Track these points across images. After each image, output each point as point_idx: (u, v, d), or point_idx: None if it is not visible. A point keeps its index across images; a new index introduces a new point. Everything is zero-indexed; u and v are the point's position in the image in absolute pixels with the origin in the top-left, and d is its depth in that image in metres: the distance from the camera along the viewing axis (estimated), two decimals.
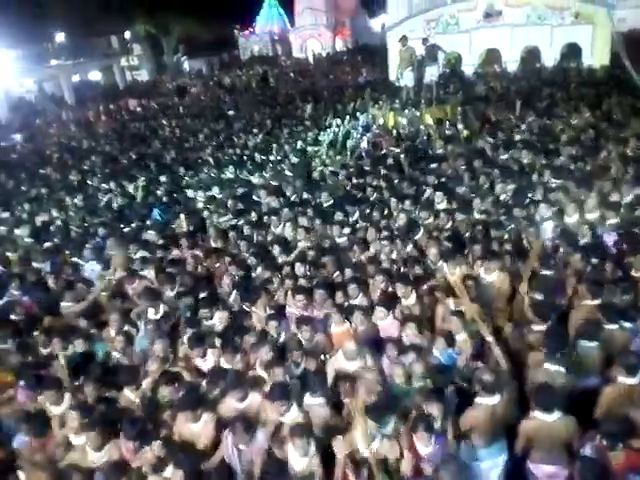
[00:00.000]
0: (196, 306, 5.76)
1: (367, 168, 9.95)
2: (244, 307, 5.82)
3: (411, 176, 9.11)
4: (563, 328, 4.76)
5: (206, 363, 5.07)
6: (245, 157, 12.05)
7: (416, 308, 5.33)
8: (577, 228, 6.32)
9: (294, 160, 11.25)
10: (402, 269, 6.04)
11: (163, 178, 10.96)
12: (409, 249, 6.45)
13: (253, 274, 6.49)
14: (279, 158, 11.61)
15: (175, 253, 7.36)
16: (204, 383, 4.67)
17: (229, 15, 41.97)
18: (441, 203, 7.67)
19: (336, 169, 10.20)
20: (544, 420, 3.78)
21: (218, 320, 5.59)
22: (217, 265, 6.90)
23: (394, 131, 12.37)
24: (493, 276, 5.56)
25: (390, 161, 10.03)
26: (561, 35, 20.12)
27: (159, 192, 10.15)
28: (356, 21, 43.53)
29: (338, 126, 13.25)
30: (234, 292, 6.11)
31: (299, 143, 12.53)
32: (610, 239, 6.16)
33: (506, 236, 6.44)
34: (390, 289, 5.58)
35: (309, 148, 12.08)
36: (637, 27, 27.98)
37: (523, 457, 4.02)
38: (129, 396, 4.68)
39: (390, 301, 5.30)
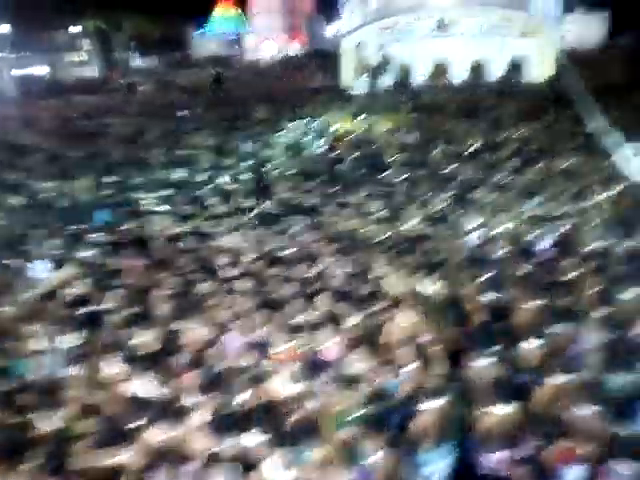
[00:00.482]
0: (127, 323, 5.23)
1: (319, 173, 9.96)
2: (180, 325, 5.29)
3: (357, 183, 9.17)
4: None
5: (132, 389, 4.44)
6: (197, 158, 11.83)
7: (361, 329, 5.01)
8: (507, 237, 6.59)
9: (249, 162, 11.14)
10: (348, 286, 5.76)
11: (110, 178, 10.61)
12: (354, 265, 6.20)
13: (194, 289, 5.96)
14: (232, 160, 11.43)
15: (113, 262, 6.80)
16: (128, 413, 4.15)
17: (183, 14, 41.35)
18: (379, 212, 7.70)
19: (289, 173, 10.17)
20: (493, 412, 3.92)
21: (149, 339, 5.00)
22: (156, 277, 6.34)
23: (349, 136, 12.48)
24: (435, 287, 5.53)
25: (344, 167, 10.09)
26: (509, 48, 20.93)
27: (106, 192, 9.81)
28: (312, 26, 43.75)
29: (293, 130, 13.24)
30: (169, 307, 5.57)
31: (253, 145, 12.44)
32: (543, 245, 6.44)
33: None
34: (335, 309, 5.21)
35: (263, 150, 11.99)
36: (579, 44, 29.67)
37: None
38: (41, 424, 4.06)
39: (334, 321, 4.93)
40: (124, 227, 8.10)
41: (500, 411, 3.93)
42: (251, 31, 42.52)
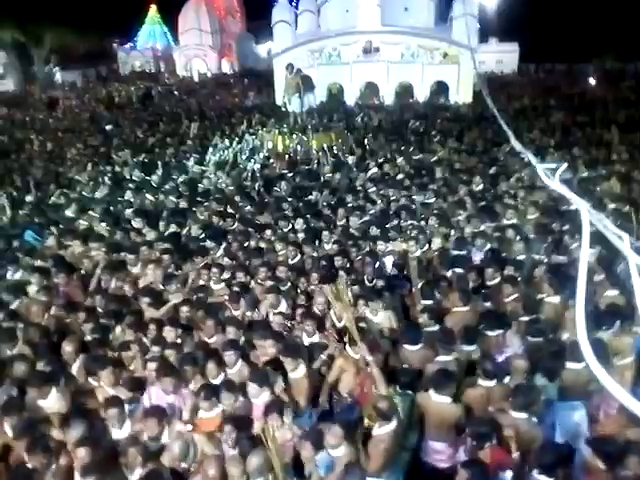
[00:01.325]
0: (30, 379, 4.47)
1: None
2: (90, 381, 4.70)
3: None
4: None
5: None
6: (124, 176, 11.48)
7: (304, 383, 4.60)
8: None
9: (180, 179, 10.96)
10: (291, 327, 5.37)
11: (29, 197, 10.07)
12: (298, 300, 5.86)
13: (110, 335, 5.36)
14: (161, 178, 11.16)
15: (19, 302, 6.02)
16: None
17: (107, 27, 40.18)
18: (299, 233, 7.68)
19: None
20: (436, 401, 4.17)
21: (54, 401, 4.35)
22: (68, 320, 5.67)
23: (285, 155, 12.61)
24: (379, 317, 5.43)
25: (283, 184, 10.13)
26: (431, 73, 22.13)
27: (25, 211, 9.28)
28: (242, 45, 43.91)
29: (227, 148, 13.18)
30: (78, 360, 4.90)
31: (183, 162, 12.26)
32: (477, 257, 6.86)
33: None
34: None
35: (195, 168, 11.82)
36: (495, 70, 31.85)
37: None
38: None
39: (264, 376, 4.41)
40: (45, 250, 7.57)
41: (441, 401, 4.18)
42: (181, 47, 41.99)
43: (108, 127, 18.67)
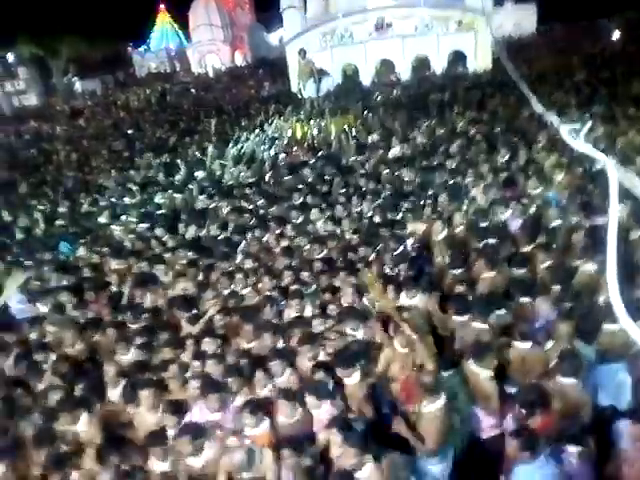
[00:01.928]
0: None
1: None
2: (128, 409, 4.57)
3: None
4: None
5: None
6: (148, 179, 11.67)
7: (361, 389, 4.36)
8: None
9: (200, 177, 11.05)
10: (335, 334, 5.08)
11: (62, 208, 10.34)
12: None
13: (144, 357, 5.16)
14: (185, 178, 11.29)
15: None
16: None
17: (121, 32, 40.66)
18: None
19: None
20: (476, 372, 4.24)
21: (85, 427, 4.27)
22: (96, 338, 5.58)
23: (305, 142, 12.58)
24: (417, 299, 5.35)
25: (307, 171, 10.05)
26: (447, 43, 21.57)
27: (61, 222, 9.56)
28: (254, 35, 43.73)
29: (246, 140, 13.24)
30: (120, 385, 4.70)
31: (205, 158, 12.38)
32: (514, 224, 6.76)
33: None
34: (323, 357, 4.67)
35: (215, 164, 11.90)
36: (512, 33, 30.88)
37: None
38: None
39: (323, 387, 4.18)
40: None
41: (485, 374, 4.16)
42: (193, 45, 42.14)
43: (130, 131, 18.95)
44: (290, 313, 5.49)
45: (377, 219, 7.43)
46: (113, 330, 5.49)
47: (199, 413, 4.29)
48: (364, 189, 8.66)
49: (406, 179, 8.90)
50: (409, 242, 6.66)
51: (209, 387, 4.27)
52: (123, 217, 9.36)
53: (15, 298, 6.60)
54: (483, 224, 6.74)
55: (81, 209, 10.34)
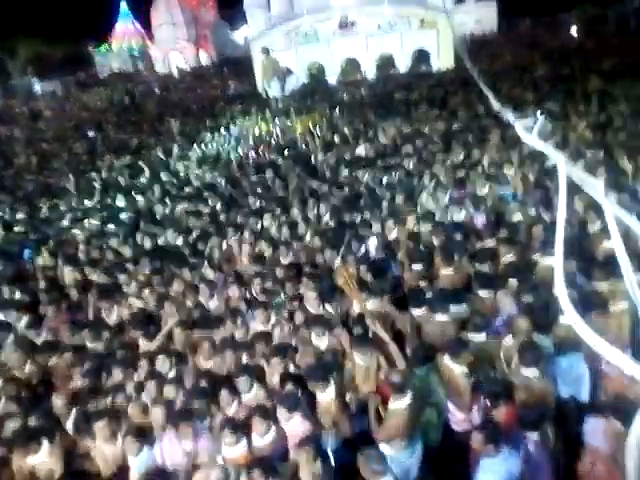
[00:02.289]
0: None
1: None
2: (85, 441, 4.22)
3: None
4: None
5: None
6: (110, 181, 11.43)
7: (336, 404, 4.24)
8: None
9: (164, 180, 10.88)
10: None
11: (21, 214, 10.04)
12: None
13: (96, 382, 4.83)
14: (147, 181, 11.10)
15: None
16: None
17: (80, 32, 39.76)
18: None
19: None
20: (451, 368, 4.30)
21: (45, 457, 3.97)
22: (54, 363, 5.22)
23: (271, 140, 12.53)
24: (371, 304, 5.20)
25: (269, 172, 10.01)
26: (410, 41, 21.82)
27: (20, 228, 9.28)
28: (218, 34, 43.25)
29: (210, 140, 13.12)
30: (72, 414, 4.38)
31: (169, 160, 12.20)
32: (479, 220, 6.91)
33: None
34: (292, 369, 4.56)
35: (179, 165, 11.76)
36: (474, 30, 31.42)
37: None
38: None
39: (293, 398, 4.06)
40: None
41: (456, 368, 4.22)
42: (156, 44, 41.44)
43: (91, 133, 18.53)
44: (256, 325, 5.28)
45: (334, 222, 7.39)
46: (69, 354, 5.13)
47: (169, 444, 4.04)
48: (320, 191, 8.64)
49: (364, 180, 8.90)
50: (371, 243, 6.66)
51: (179, 416, 4.03)
52: (84, 221, 9.14)
53: None
54: (442, 221, 6.86)
55: (41, 214, 10.07)
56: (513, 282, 5.14)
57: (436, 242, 6.31)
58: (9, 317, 6.06)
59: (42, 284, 6.91)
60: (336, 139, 11.89)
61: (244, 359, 4.80)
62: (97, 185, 11.07)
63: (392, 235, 6.77)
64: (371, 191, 8.23)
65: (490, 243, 6.13)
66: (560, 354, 4.36)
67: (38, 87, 40.63)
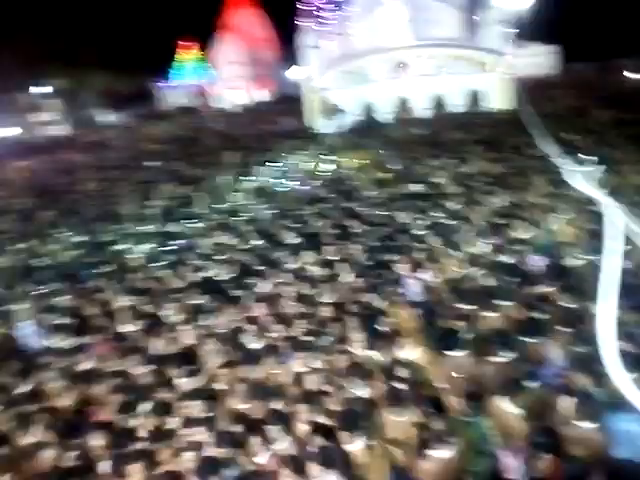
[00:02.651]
0: None
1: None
2: None
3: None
4: None
5: None
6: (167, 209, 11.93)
7: (370, 457, 3.96)
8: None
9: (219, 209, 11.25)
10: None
11: (82, 237, 10.59)
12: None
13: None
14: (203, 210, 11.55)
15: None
16: None
17: (149, 67, 42.28)
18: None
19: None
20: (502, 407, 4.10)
21: None
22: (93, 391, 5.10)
23: (320, 175, 12.81)
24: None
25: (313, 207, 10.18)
26: (465, 82, 21.99)
27: (80, 251, 9.79)
28: (275, 73, 45.06)
29: (261, 173, 13.54)
30: (108, 457, 4.13)
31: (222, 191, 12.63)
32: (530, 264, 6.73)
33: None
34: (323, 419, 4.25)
35: (231, 196, 12.13)
36: (533, 73, 31.26)
37: None
38: None
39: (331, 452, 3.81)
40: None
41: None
42: (217, 81, 43.56)
43: (152, 163, 19.46)
44: (296, 367, 5.04)
45: (372, 261, 7.25)
46: (110, 384, 5.04)
47: None
48: (352, 229, 8.63)
49: (403, 219, 8.86)
50: (412, 284, 6.49)
51: (208, 468, 3.83)
52: (140, 246, 9.54)
53: (25, 326, 6.69)
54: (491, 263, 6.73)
55: (100, 238, 10.58)
56: (566, 331, 4.98)
57: (484, 284, 6.22)
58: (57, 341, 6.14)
59: (92, 309, 6.99)
60: (384, 176, 12.00)
61: (280, 404, 4.53)
62: (155, 212, 11.57)
63: (432, 276, 6.64)
64: (408, 231, 8.19)
65: (541, 288, 5.97)
66: (619, 411, 4.17)
67: (106, 118, 43.31)
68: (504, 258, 6.89)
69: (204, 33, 42.90)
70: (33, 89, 37.25)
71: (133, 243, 9.72)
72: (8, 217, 13.29)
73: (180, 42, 48.06)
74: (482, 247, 7.30)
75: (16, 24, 33.71)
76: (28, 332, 6.63)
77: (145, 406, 4.65)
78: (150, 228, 10.61)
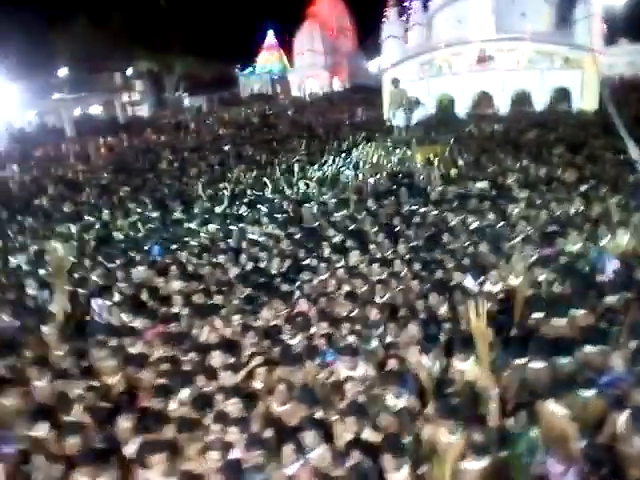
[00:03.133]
0: None
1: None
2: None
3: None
4: None
5: None
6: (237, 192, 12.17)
7: None
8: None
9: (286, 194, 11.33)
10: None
11: (155, 213, 11.03)
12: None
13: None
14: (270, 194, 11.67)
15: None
16: None
17: (230, 54, 43.36)
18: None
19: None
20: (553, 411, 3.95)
21: None
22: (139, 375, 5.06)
23: (389, 167, 12.61)
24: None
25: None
26: (551, 79, 20.83)
27: (151, 226, 10.19)
28: (353, 63, 44.84)
29: (332, 163, 13.52)
30: (135, 442, 4.09)
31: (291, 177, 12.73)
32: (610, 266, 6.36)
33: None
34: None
35: (301, 183, 12.18)
36: (626, 73, 29.19)
37: None
38: None
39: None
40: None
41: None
42: (295, 69, 44.01)
43: (226, 147, 19.97)
44: (341, 372, 4.74)
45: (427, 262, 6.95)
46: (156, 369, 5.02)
47: None
48: (414, 226, 8.41)
49: (452, 221, 8.49)
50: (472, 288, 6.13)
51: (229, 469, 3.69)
52: (209, 225, 9.81)
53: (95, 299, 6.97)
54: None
55: (172, 216, 10.98)
56: (633, 344, 4.64)
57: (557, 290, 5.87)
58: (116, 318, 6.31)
59: (150, 291, 6.98)
60: (453, 173, 11.61)
61: (318, 411, 4.28)
62: (226, 194, 11.85)
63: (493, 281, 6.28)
64: (471, 232, 7.87)
65: (612, 299, 5.57)
66: None
67: (186, 101, 44.95)
68: (571, 265, 6.47)
69: (287, 20, 43.39)
70: (120, 70, 39.24)
71: (200, 224, 10.00)
72: (87, 190, 14.05)
73: (264, 30, 49.00)
74: (544, 253, 6.88)
75: (110, 7, 35.60)
76: (96, 305, 6.94)
77: (182, 395, 4.61)
78: (218, 210, 10.89)
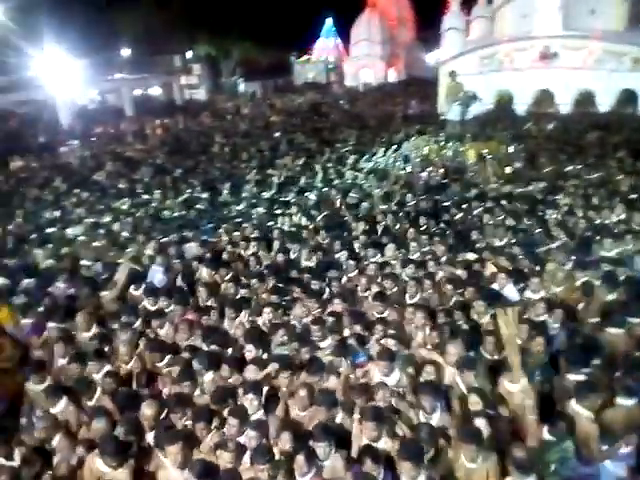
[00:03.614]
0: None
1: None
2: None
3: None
4: None
5: None
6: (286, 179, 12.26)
7: None
8: None
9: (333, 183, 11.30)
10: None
11: (205, 194, 11.27)
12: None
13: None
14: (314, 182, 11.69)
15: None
16: None
17: (287, 42, 43.44)
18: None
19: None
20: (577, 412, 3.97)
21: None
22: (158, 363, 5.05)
23: (439, 162, 12.41)
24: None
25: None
26: (618, 80, 19.83)
27: (200, 207, 10.43)
28: (410, 54, 44.09)
29: (382, 155, 13.41)
30: (156, 429, 4.11)
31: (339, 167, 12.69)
32: None
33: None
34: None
35: (348, 173, 12.12)
36: None
37: None
38: None
39: None
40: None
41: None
42: (351, 58, 43.68)
43: (277, 134, 20.11)
44: (375, 376, 4.56)
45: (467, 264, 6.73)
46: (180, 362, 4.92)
47: None
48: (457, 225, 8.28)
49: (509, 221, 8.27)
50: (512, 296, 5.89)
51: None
52: (255, 209, 9.94)
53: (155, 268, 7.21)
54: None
55: (220, 198, 11.19)
56: None
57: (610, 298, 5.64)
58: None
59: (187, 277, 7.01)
60: (503, 172, 11.29)
61: (338, 413, 4.16)
62: (274, 180, 11.96)
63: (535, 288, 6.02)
64: (516, 233, 7.70)
65: None
66: None
67: (241, 87, 45.48)
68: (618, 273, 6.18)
69: (346, 9, 43.00)
70: (179, 53, 40.05)
71: (247, 207, 10.15)
72: (142, 169, 14.48)
73: (322, 19, 48.85)
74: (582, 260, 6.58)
75: None
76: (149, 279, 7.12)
77: (205, 380, 4.59)
78: (265, 195, 11.01)
